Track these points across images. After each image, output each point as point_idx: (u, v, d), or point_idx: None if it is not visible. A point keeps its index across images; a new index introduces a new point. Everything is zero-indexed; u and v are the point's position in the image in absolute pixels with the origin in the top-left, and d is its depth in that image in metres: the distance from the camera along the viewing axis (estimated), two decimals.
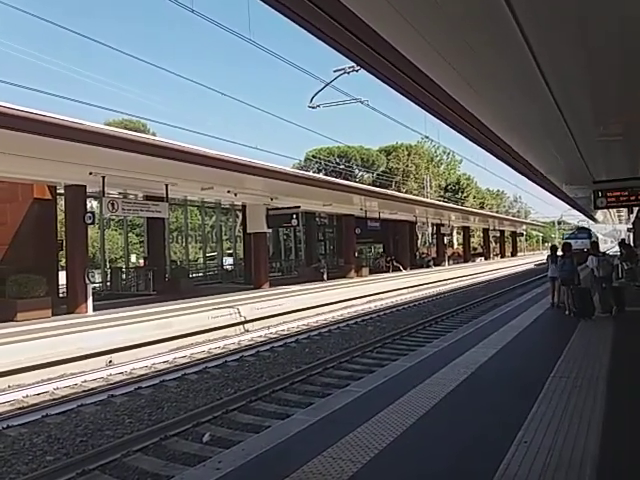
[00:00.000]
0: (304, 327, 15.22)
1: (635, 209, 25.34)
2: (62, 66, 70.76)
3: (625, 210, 32.55)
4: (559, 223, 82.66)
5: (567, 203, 33.61)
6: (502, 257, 54.54)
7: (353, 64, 14.55)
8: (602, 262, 10.70)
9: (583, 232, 42.63)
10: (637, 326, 9.70)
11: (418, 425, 4.59)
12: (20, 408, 7.85)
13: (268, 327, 14.88)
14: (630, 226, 42.13)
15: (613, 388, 5.53)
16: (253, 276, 22.22)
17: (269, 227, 21.88)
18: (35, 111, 10.24)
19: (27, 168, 13.11)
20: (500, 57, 7.28)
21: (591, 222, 56.02)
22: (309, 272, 26.70)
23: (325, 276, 26.00)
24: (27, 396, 8.44)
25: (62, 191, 15.99)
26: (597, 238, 45.69)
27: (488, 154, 14.71)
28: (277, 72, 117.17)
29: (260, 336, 13.85)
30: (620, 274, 18.19)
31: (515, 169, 17.45)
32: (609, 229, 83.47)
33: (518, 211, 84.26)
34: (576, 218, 53.16)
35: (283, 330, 14.72)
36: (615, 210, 34.46)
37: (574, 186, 21.02)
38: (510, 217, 63.15)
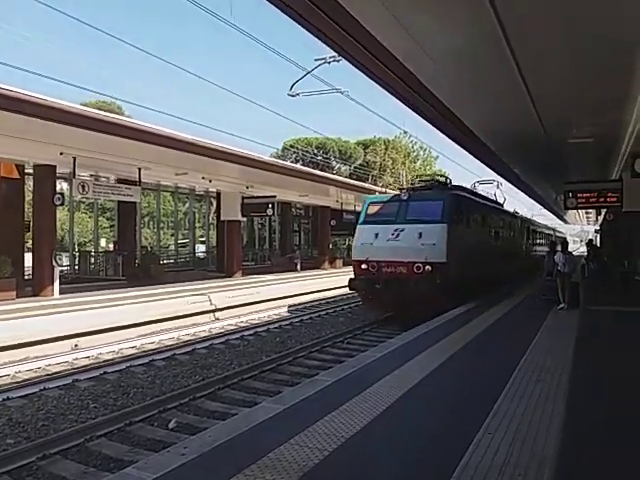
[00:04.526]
0: (275, 316, 15.18)
1: (603, 211, 25.79)
2: (49, 48, 68.30)
3: (593, 211, 33.35)
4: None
5: (537, 202, 34.21)
6: None
7: (334, 54, 14.46)
8: (568, 260, 11.62)
9: (431, 200, 12.78)
10: (600, 323, 9.99)
11: (386, 415, 4.62)
12: None
13: (239, 316, 14.79)
14: (598, 228, 40.21)
15: (575, 382, 5.66)
16: (226, 264, 22.06)
17: (244, 216, 21.72)
18: (4, 86, 9.92)
19: None
20: (479, 54, 7.36)
21: (560, 222, 56.65)
22: (283, 262, 26.64)
23: (299, 266, 25.99)
24: None
25: (31, 171, 15.54)
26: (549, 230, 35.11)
27: (463, 150, 14.89)
28: (256, 58, 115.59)
29: (231, 324, 13.76)
30: (587, 273, 18.75)
31: (489, 166, 17.70)
32: (577, 230, 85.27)
33: None
34: (547, 218, 47.66)
35: (254, 319, 14.65)
36: (584, 211, 35.23)
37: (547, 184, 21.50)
38: None
